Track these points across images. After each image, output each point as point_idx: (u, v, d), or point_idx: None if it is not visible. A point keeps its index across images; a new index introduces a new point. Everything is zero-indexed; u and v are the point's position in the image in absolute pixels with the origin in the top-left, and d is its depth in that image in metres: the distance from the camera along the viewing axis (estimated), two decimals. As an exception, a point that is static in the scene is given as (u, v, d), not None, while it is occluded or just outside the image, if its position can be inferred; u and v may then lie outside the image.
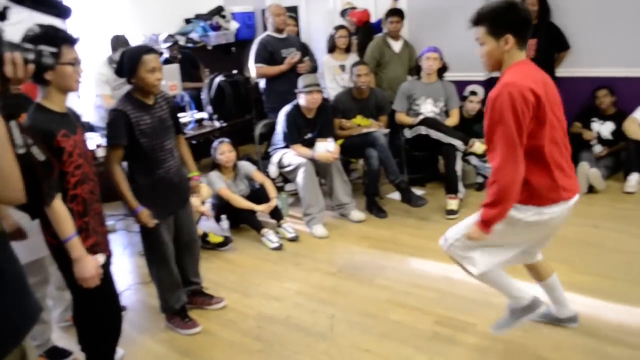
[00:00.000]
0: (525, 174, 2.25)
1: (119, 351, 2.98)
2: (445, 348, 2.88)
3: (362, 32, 5.81)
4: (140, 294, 3.77)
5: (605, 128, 5.17)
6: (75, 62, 2.24)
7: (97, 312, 2.52)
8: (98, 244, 2.42)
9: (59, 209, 2.16)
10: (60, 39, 2.15)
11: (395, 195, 4.92)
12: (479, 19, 2.30)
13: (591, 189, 4.75)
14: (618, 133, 5.06)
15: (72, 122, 2.34)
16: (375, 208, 4.77)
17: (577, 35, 5.44)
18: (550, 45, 5.45)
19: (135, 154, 2.93)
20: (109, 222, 4.91)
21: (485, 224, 2.32)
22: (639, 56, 5.20)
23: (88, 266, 2.26)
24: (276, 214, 4.53)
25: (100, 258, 2.35)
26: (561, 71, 5.63)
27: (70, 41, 2.21)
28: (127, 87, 2.99)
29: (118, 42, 5.13)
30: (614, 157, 5.09)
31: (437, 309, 3.23)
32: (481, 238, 2.37)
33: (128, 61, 2.88)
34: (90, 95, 5.27)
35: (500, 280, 2.64)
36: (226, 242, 4.31)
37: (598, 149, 5.09)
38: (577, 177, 4.67)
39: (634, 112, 4.97)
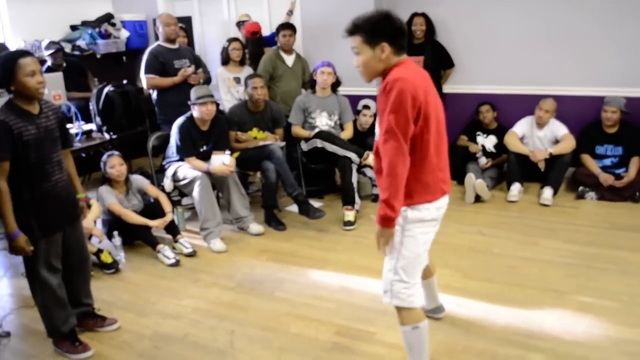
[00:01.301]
0: (416, 173, 2.30)
1: (0, 382, 2.77)
2: (345, 358, 2.92)
3: (250, 44, 5.80)
4: (24, 318, 3.51)
5: (488, 141, 5.50)
6: None
7: None
8: None
9: None
10: None
11: (294, 208, 4.94)
12: (355, 29, 2.31)
13: (478, 199, 5.03)
14: (500, 146, 5.40)
15: None
16: (273, 221, 4.77)
17: (461, 55, 5.79)
18: (436, 63, 5.74)
19: (20, 167, 2.72)
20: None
21: (387, 218, 2.26)
22: (516, 75, 5.62)
23: None
24: (172, 229, 4.40)
25: None
26: (447, 87, 5.95)
27: None
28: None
29: (-4, 49, 4.81)
30: (498, 169, 5.44)
31: (336, 319, 3.27)
32: (390, 238, 2.33)
33: (3, 67, 2.68)
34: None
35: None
36: (113, 266, 4.08)
37: (483, 160, 5.39)
38: (465, 188, 5.00)
39: (513, 126, 5.33)
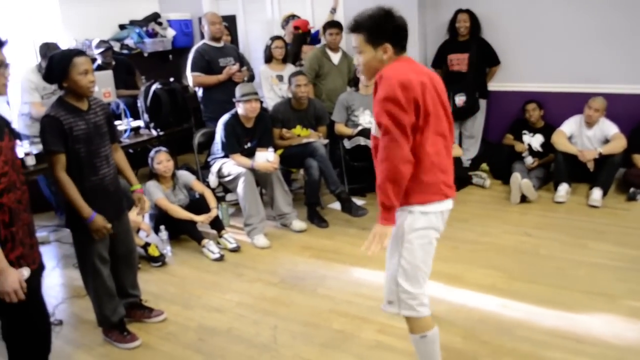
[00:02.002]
0: (417, 172, 2.21)
1: (53, 369, 2.86)
2: (387, 356, 2.92)
3: (296, 38, 5.84)
4: (75, 308, 3.63)
5: (535, 140, 5.39)
6: (1, 65, 2.13)
7: (24, 327, 2.38)
8: (24, 256, 2.27)
9: None
10: None
11: (336, 205, 4.95)
12: (357, 27, 2.26)
13: (524, 199, 4.94)
14: (547, 145, 5.29)
15: None
16: (316, 218, 4.79)
17: (507, 52, 5.68)
18: (482, 60, 5.66)
19: (70, 161, 2.82)
20: (43, 234, 4.74)
21: (387, 212, 2.22)
22: (565, 72, 5.48)
23: (10, 279, 2.11)
24: (217, 224, 4.47)
25: (25, 272, 2.21)
26: (493, 85, 5.86)
27: None
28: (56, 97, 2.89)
29: (49, 49, 4.94)
30: (544, 168, 5.32)
31: (378, 317, 3.25)
32: (387, 235, 2.27)
33: (58, 65, 2.77)
34: (18, 103, 5.04)
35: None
36: (160, 259, 4.17)
37: (529, 160, 5.29)
38: (511, 188, 4.91)
39: (561, 125, 5.21)
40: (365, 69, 2.33)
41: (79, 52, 2.84)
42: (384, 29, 2.22)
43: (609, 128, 5.03)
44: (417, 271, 2.35)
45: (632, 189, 4.92)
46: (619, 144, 4.95)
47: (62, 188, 2.81)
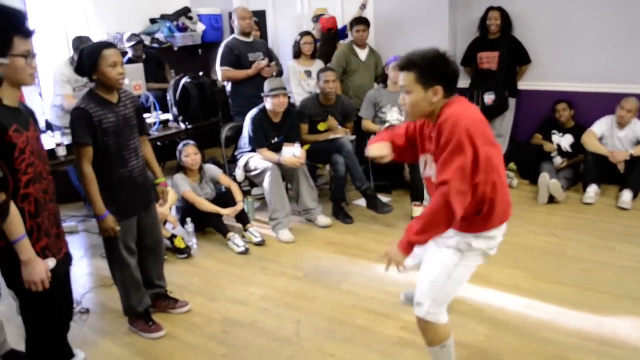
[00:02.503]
0: (491, 195, 2.23)
1: (80, 354, 2.92)
2: (409, 353, 2.91)
3: (325, 39, 5.83)
4: (101, 297, 3.70)
5: (564, 140, 5.32)
6: (28, 55, 2.14)
7: (48, 311, 2.40)
8: (49, 247, 2.30)
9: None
10: (12, 30, 2.07)
11: (361, 202, 4.96)
12: (409, 64, 2.19)
13: (551, 199, 4.88)
14: (577, 145, 5.21)
15: (24, 117, 2.22)
16: (341, 214, 4.79)
17: (538, 50, 5.61)
18: (512, 58, 5.59)
19: (99, 153, 2.87)
20: (70, 223, 4.83)
21: (410, 245, 2.19)
22: (596, 72, 5.39)
23: (37, 269, 2.16)
24: (242, 217, 4.50)
25: (50, 262, 2.25)
26: (523, 84, 5.79)
27: (24, 33, 2.11)
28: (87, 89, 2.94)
29: (81, 42, 5.02)
30: (573, 169, 5.24)
31: (402, 314, 3.25)
32: (401, 263, 2.22)
33: (88, 57, 2.82)
34: (50, 95, 5.15)
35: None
36: (185, 251, 4.23)
37: (558, 160, 5.22)
38: (538, 187, 4.86)
39: (592, 125, 5.13)
40: (412, 110, 2.26)
41: (108, 45, 2.87)
42: (437, 71, 2.17)
43: (641, 129, 4.94)
44: (457, 289, 2.39)
45: (663, 192, 4.83)
46: (651, 145, 4.86)
47: (84, 181, 2.84)
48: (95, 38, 5.70)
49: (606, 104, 5.20)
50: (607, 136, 5.08)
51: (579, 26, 5.39)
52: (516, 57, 5.63)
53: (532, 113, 5.71)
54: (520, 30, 5.60)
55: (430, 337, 2.39)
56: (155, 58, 6.35)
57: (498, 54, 5.51)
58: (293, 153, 4.56)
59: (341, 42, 5.91)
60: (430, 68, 2.17)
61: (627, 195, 4.75)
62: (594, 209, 4.78)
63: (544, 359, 2.80)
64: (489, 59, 5.61)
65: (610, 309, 3.20)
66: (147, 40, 6.83)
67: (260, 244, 4.36)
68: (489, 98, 5.51)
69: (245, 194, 4.93)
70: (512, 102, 5.73)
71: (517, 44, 5.59)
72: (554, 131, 5.41)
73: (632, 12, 5.10)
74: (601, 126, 5.11)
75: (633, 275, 3.59)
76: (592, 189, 4.90)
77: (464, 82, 5.62)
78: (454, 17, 5.87)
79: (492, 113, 5.61)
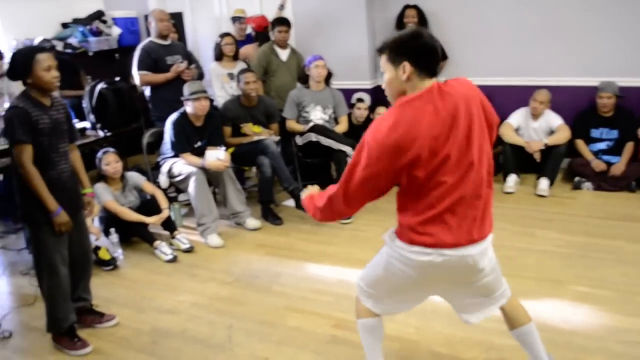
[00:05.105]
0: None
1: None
2: (343, 350, 2.92)
3: (261, 38, 5.80)
4: (24, 316, 3.50)
5: (482, 132, 5.49)
6: None
7: None
8: None
9: None
10: None
11: (290, 202, 4.95)
12: (382, 47, 2.16)
13: (473, 190, 5.02)
14: (496, 137, 5.39)
15: None
16: (270, 215, 4.76)
17: (454, 47, 5.76)
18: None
19: (35, 152, 2.82)
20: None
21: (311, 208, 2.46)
22: (511, 66, 5.62)
23: None
24: (169, 225, 4.39)
25: None
26: (441, 80, 5.92)
27: None
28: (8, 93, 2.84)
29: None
30: (494, 160, 5.41)
31: (334, 312, 3.27)
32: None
33: (21, 61, 2.81)
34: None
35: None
36: (111, 262, 4.08)
37: (477, 152, 5.38)
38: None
39: (508, 117, 5.33)
40: (388, 90, 2.19)
41: (41, 49, 2.87)
42: (404, 47, 2.08)
43: (554, 119, 5.18)
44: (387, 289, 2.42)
45: (577, 178, 5.09)
46: (564, 134, 5.10)
47: (30, 180, 2.79)
48: (1, 45, 5.42)
49: (520, 96, 5.41)
50: (522, 127, 5.30)
51: (492, 22, 5.60)
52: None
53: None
54: (436, 27, 5.73)
55: (356, 308, 2.49)
56: (69, 64, 6.10)
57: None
58: (217, 157, 4.48)
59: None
60: (398, 45, 2.10)
61: (544, 183, 4.97)
62: (514, 197, 4.97)
63: (473, 346, 2.87)
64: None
65: (533, 292, 3.32)
66: (59, 46, 6.55)
67: (188, 250, 4.27)
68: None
69: (172, 200, 4.82)
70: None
71: (434, 41, 5.73)
72: (472, 124, 5.57)
73: (543, 7, 5.35)
74: (517, 118, 5.32)
75: (552, 259, 3.75)
76: (512, 179, 5.10)
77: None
78: (372, 16, 5.95)
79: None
